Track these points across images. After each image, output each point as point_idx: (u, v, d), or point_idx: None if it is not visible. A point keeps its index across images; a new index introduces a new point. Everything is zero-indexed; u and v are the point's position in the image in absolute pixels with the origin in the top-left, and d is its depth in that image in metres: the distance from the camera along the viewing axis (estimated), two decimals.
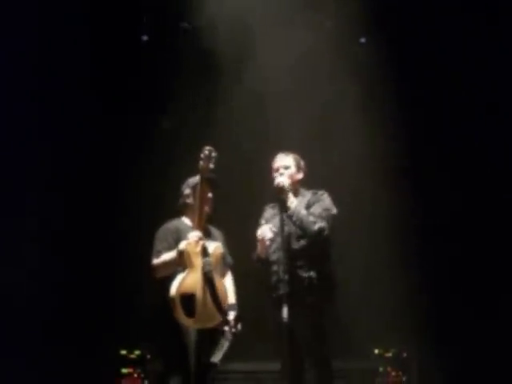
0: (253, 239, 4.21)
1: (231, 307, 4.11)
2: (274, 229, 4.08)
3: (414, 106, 6.34)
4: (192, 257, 3.95)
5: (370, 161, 6.24)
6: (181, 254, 3.95)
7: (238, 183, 6.01)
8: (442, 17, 6.15)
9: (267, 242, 4.07)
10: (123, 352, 5.99)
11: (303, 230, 4.03)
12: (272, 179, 4.20)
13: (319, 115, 6.26)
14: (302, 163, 4.32)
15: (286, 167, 4.22)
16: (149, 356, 5.95)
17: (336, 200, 4.27)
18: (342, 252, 5.59)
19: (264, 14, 5.97)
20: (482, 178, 6.17)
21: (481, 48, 6.12)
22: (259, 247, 4.13)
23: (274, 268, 4.09)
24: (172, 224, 4.21)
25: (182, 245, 3.97)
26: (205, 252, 3.98)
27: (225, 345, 3.97)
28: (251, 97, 6.12)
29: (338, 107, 6.22)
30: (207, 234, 4.12)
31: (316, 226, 4.02)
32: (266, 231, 4.07)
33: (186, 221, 4.24)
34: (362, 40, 6.65)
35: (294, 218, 4.04)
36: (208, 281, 3.92)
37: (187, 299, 3.89)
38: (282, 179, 4.12)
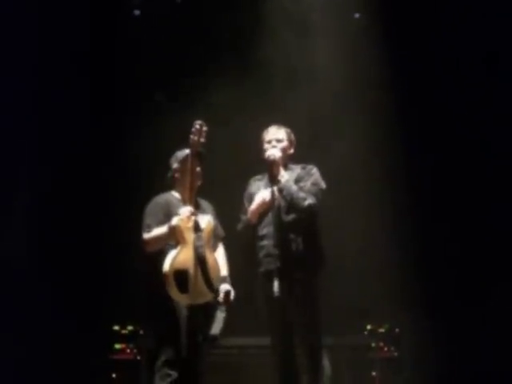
0: (238, 212, 4.23)
1: (223, 280, 4.10)
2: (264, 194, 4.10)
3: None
4: (184, 232, 3.92)
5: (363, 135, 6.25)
6: (173, 229, 3.92)
7: (226, 156, 6.03)
8: None
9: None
10: (116, 327, 6.00)
11: (293, 205, 4.01)
12: (262, 151, 4.17)
13: (310, 90, 6.25)
14: (293, 138, 4.30)
15: (278, 140, 4.20)
16: (141, 331, 5.97)
17: (328, 174, 4.25)
18: (335, 226, 5.63)
19: None
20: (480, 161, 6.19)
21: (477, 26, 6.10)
22: (256, 210, 4.10)
23: (263, 242, 4.08)
24: (162, 198, 4.19)
25: (174, 220, 3.93)
26: (197, 227, 3.96)
27: (221, 317, 3.97)
28: (243, 71, 6.11)
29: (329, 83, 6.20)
30: (197, 207, 4.09)
31: (306, 202, 4.00)
32: (266, 194, 4.07)
33: (176, 195, 4.22)
34: (356, 15, 6.62)
35: (285, 193, 4.02)
36: (199, 257, 3.91)
37: (180, 275, 3.86)
38: (274, 151, 4.09)
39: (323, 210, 4.19)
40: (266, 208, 4.09)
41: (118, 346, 5.94)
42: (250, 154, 4.57)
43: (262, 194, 4.13)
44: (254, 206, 4.13)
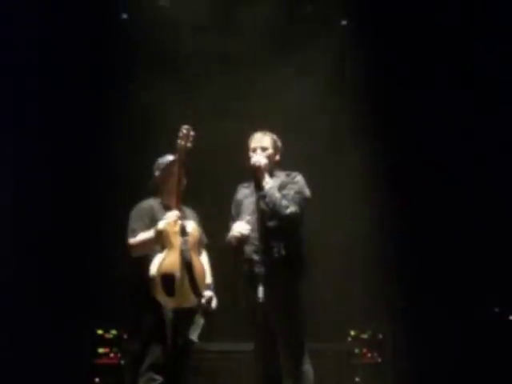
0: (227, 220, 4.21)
1: (208, 287, 4.11)
2: (249, 217, 4.06)
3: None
4: (171, 236, 3.93)
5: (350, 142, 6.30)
6: (159, 233, 3.93)
7: (213, 162, 6.04)
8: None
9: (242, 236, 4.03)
10: (100, 332, 5.98)
11: (275, 212, 4.00)
12: (248, 157, 4.16)
13: (297, 97, 6.29)
14: (279, 144, 4.28)
15: (263, 148, 4.17)
16: (125, 335, 5.95)
17: (313, 181, 4.26)
18: (319, 234, 5.65)
19: None
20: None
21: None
22: (233, 240, 4.06)
23: (247, 248, 4.06)
24: (146, 203, 4.18)
25: (161, 224, 3.94)
26: (183, 231, 3.97)
27: (200, 322, 4.00)
28: (229, 75, 6.15)
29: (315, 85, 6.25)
30: (181, 214, 4.10)
31: (288, 211, 3.99)
32: (242, 227, 4.02)
33: (159, 201, 4.20)
34: (344, 22, 6.65)
35: (267, 200, 4.01)
36: (186, 261, 3.91)
37: (167, 279, 3.87)
38: (259, 158, 4.08)
39: (308, 218, 4.18)
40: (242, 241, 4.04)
41: (101, 351, 5.93)
42: (237, 158, 4.55)
43: (237, 227, 4.04)
44: (231, 236, 4.08)
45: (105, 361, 5.93)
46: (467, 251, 6.09)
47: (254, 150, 4.18)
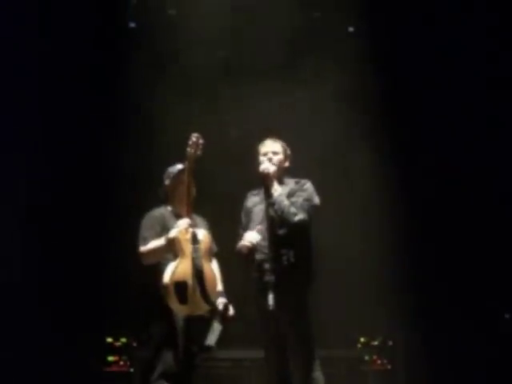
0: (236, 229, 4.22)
1: (220, 294, 4.11)
2: (260, 226, 4.06)
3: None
4: (182, 244, 3.94)
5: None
6: (171, 241, 3.94)
7: (222, 169, 6.05)
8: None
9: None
10: (109, 340, 5.99)
11: (284, 219, 4.00)
12: (258, 163, 4.17)
13: (305, 105, 6.29)
14: (289, 151, 4.29)
15: (274, 153, 4.19)
16: (135, 343, 5.96)
17: (325, 190, 4.26)
18: (330, 241, 5.65)
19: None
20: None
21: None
22: (243, 249, 4.06)
23: (257, 256, 4.07)
24: (158, 212, 4.20)
25: (173, 232, 3.96)
26: (195, 239, 3.98)
27: (217, 328, 3.98)
28: (237, 82, 6.17)
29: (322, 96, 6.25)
30: (192, 221, 4.10)
31: (296, 218, 3.99)
32: (253, 237, 4.03)
33: (170, 209, 4.22)
34: (351, 29, 6.66)
35: (276, 207, 4.01)
36: (196, 268, 3.92)
37: (180, 287, 3.88)
38: (269, 165, 4.09)
39: (318, 225, 4.18)
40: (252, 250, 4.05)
41: (111, 359, 5.94)
42: (246, 165, 4.55)
43: (249, 237, 4.05)
44: (241, 245, 4.07)
45: (114, 369, 5.94)
46: (478, 257, 6.07)
47: (265, 154, 4.19)
